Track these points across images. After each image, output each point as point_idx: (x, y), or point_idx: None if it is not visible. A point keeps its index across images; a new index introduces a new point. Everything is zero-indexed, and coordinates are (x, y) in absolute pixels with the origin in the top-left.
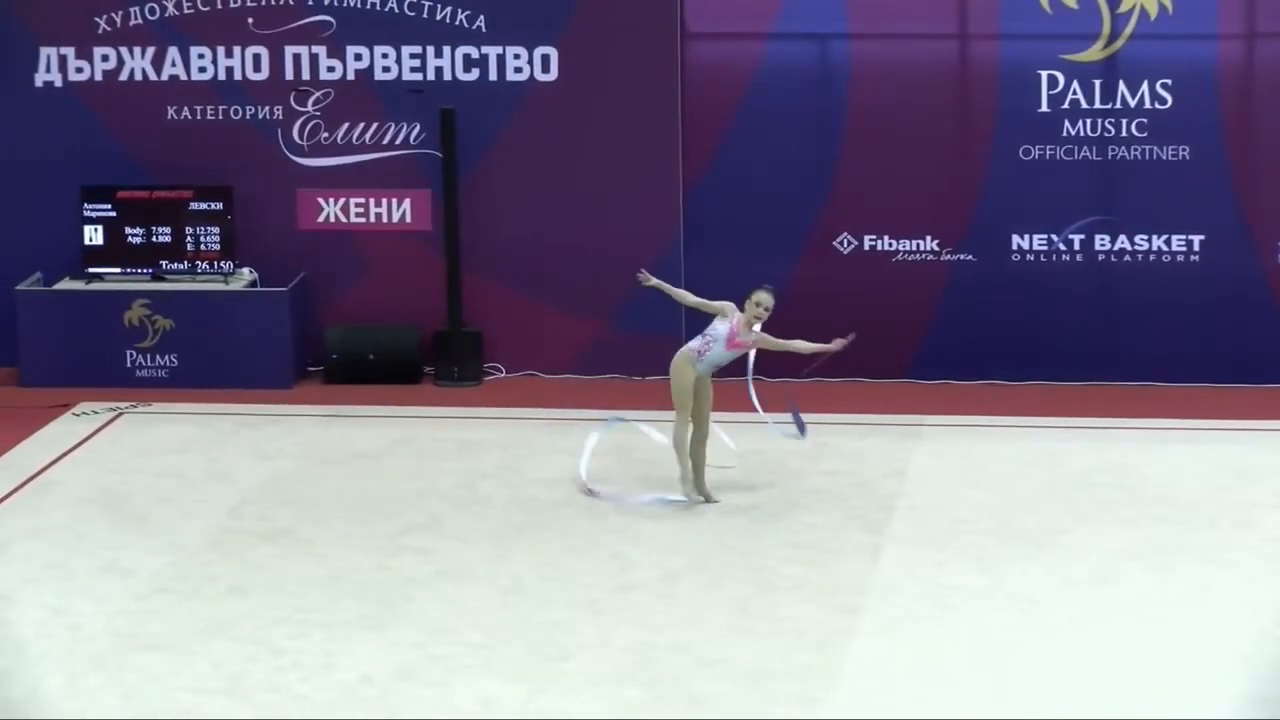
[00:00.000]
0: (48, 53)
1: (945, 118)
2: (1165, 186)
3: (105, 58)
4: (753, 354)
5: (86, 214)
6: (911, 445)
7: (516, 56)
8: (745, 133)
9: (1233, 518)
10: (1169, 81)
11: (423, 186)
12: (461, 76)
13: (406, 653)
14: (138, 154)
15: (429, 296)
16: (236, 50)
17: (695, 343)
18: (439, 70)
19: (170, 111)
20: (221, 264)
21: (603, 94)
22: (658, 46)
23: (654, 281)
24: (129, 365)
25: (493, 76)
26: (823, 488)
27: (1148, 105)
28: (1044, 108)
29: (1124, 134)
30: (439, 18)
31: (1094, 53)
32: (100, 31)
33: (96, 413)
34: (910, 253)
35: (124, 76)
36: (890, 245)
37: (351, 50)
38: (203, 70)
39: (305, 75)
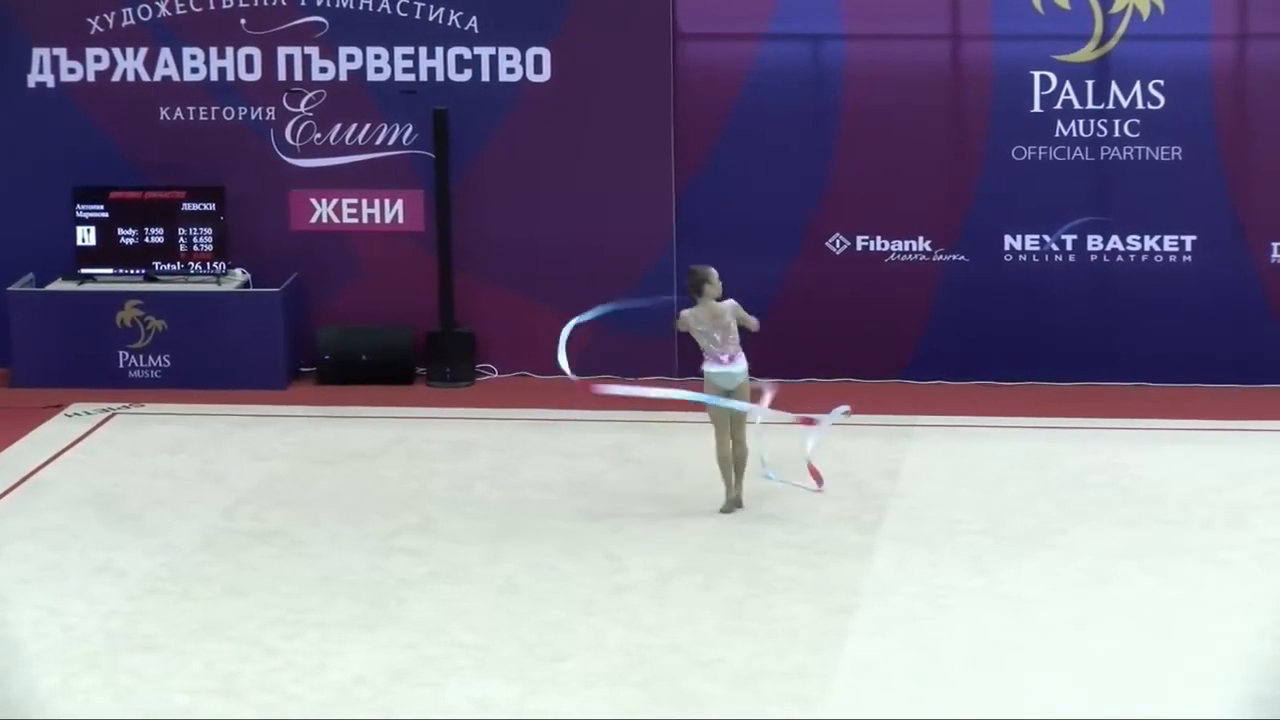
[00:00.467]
0: (40, 53)
1: (938, 118)
2: (1158, 187)
3: (98, 58)
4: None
5: (79, 215)
6: (905, 446)
7: (509, 57)
8: (738, 133)
9: (1227, 518)
10: (1161, 82)
11: (415, 187)
12: (454, 77)
13: (400, 653)
14: (130, 155)
15: (421, 297)
16: (229, 51)
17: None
18: (431, 71)
19: (163, 112)
20: (214, 265)
21: (595, 95)
22: (650, 47)
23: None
24: (122, 366)
25: (485, 77)
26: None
27: (1140, 106)
28: (1037, 108)
29: (1117, 134)
30: (431, 18)
31: (1086, 53)
32: (93, 32)
33: (89, 413)
34: (903, 253)
35: (117, 77)
36: (883, 246)
37: (344, 51)
38: (195, 71)
39: (298, 76)
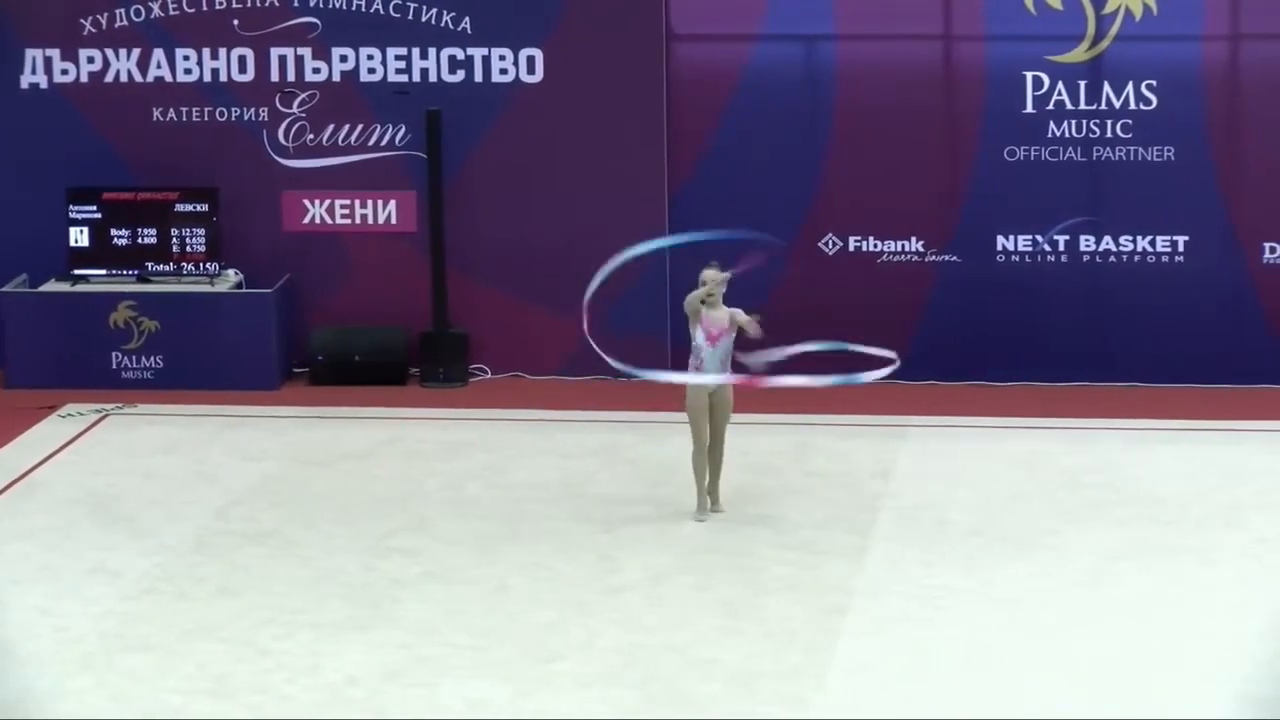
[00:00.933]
0: (33, 54)
1: (931, 119)
2: (1150, 187)
3: (91, 59)
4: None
5: (72, 215)
6: (898, 446)
7: (502, 58)
8: (731, 134)
9: (1221, 518)
10: (1154, 82)
11: (408, 188)
12: (447, 78)
13: (393, 654)
14: (123, 156)
15: (414, 298)
16: (222, 52)
17: (692, 370)
18: (424, 72)
19: (156, 113)
20: (207, 265)
21: (588, 96)
22: (643, 48)
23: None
24: (115, 367)
25: (478, 78)
26: (809, 489)
27: (1133, 106)
28: (1029, 109)
29: (1109, 135)
30: (424, 19)
31: (1079, 54)
32: (86, 33)
33: (82, 414)
34: (896, 254)
35: (110, 78)
36: (876, 246)
37: (337, 52)
38: (188, 72)
39: (291, 77)
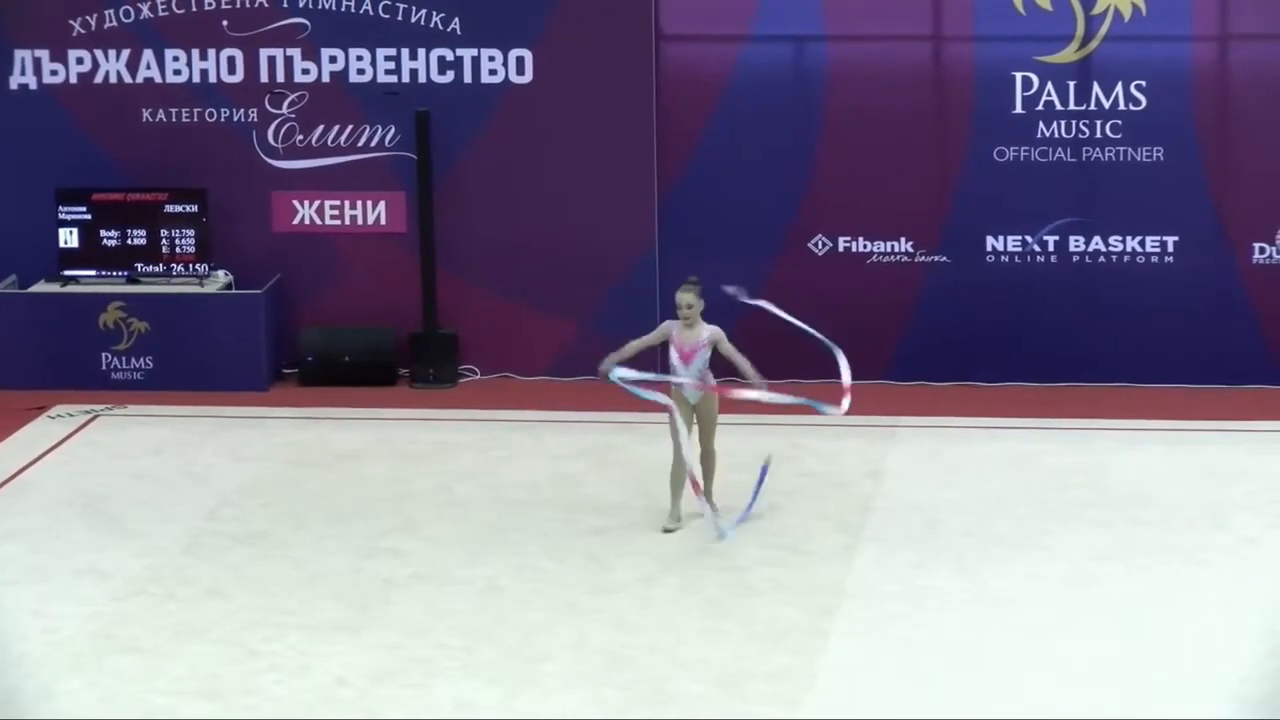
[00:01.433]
0: (22, 55)
1: (920, 119)
2: (1140, 188)
3: (80, 60)
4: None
5: (61, 216)
6: (887, 446)
7: (491, 59)
8: (721, 135)
9: (1209, 519)
10: (1143, 83)
11: (398, 189)
12: (436, 79)
13: (383, 655)
14: (113, 156)
15: (404, 298)
16: (211, 53)
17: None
18: (414, 72)
19: (145, 114)
20: (197, 266)
21: (578, 96)
22: (633, 48)
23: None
24: (104, 368)
25: (468, 79)
26: (799, 489)
27: (1122, 106)
28: (1018, 109)
29: (1099, 135)
30: (414, 20)
31: (1068, 54)
32: (75, 34)
33: (72, 415)
34: (885, 254)
35: (99, 79)
36: (865, 247)
37: (326, 53)
38: (178, 73)
39: (280, 78)
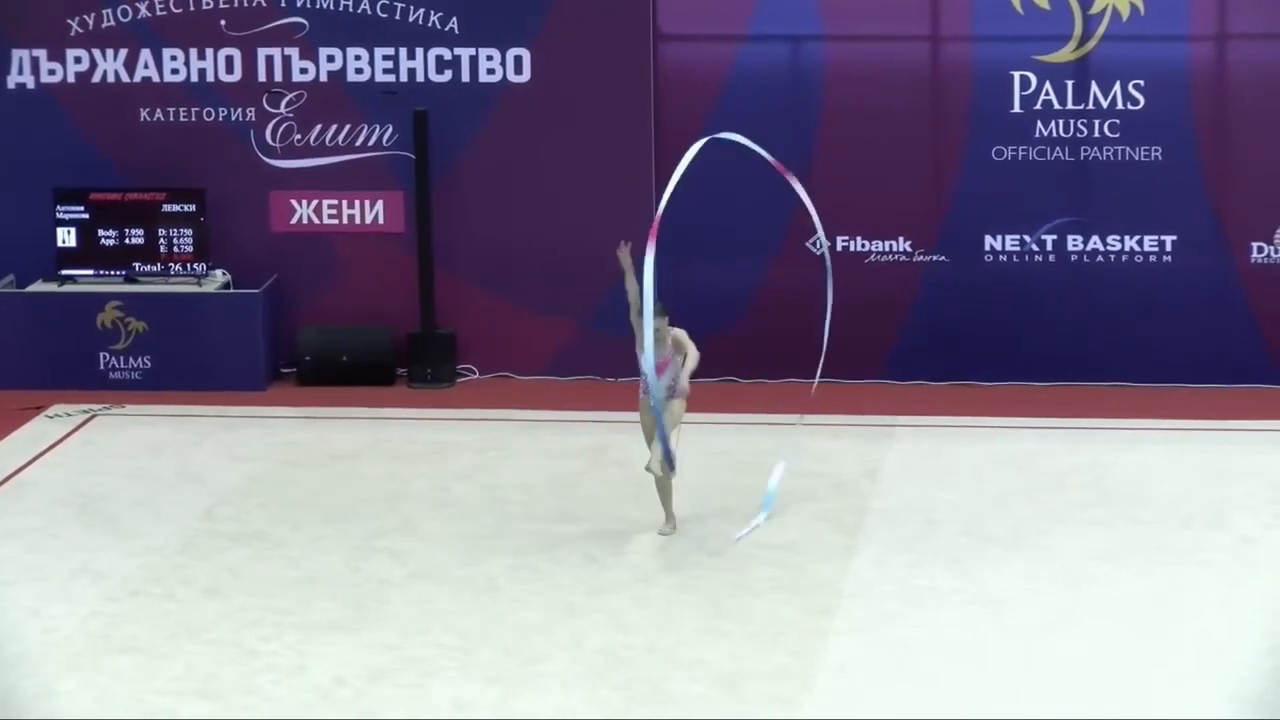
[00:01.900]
0: (20, 55)
1: (918, 119)
2: (1138, 187)
3: (78, 60)
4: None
5: (59, 216)
6: (885, 446)
7: (489, 58)
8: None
9: (1207, 518)
10: (1141, 82)
11: (395, 188)
12: (434, 78)
13: (380, 655)
14: (111, 156)
15: (402, 298)
16: (209, 52)
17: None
18: (412, 72)
19: (143, 113)
20: (195, 266)
21: (576, 95)
22: (631, 48)
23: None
24: (102, 367)
25: (465, 78)
26: (796, 489)
27: (1120, 106)
28: (1016, 109)
29: (1096, 135)
30: (412, 19)
31: (1066, 54)
32: (73, 33)
33: (70, 415)
34: (883, 254)
35: (97, 78)
36: (863, 246)
37: (324, 52)
38: (175, 72)
39: (278, 77)
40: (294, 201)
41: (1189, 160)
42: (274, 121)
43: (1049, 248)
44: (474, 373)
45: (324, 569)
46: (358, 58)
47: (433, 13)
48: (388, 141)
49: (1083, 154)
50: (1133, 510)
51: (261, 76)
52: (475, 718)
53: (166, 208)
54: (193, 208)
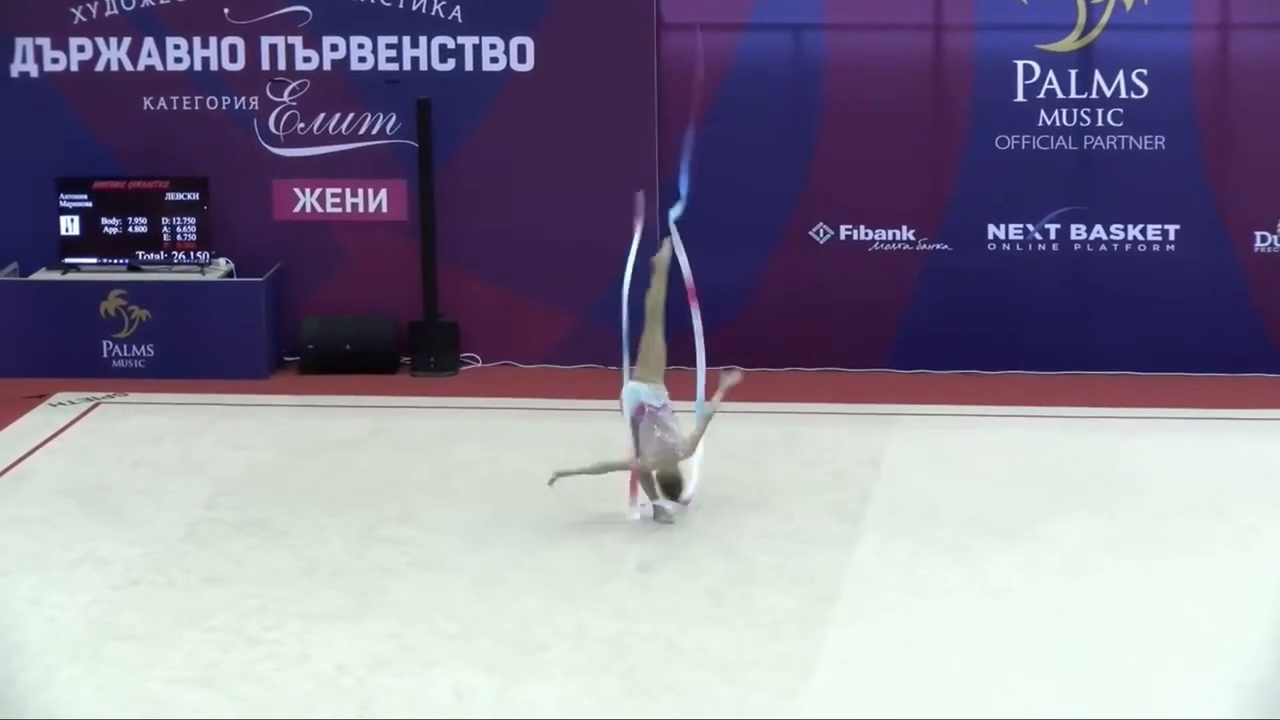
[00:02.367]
0: (23, 43)
1: (921, 107)
2: (1141, 176)
3: (81, 48)
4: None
5: (62, 205)
6: (887, 435)
7: (493, 47)
8: (721, 123)
9: (1209, 508)
10: (1145, 71)
11: (399, 177)
12: (438, 67)
13: (382, 643)
14: (114, 145)
15: (405, 287)
16: (212, 41)
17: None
18: (415, 60)
19: (146, 102)
20: (198, 254)
21: (580, 84)
22: (635, 37)
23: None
24: (105, 356)
25: (469, 67)
26: (798, 477)
27: (1124, 95)
28: (1020, 98)
29: (1100, 124)
30: (415, 8)
31: (1069, 43)
32: (76, 22)
33: (73, 403)
34: (886, 242)
35: (100, 67)
36: (866, 235)
37: (327, 41)
38: (179, 61)
39: (281, 66)
40: (297, 190)
41: (1192, 149)
42: (277, 110)
43: (1052, 237)
44: (477, 361)
45: (326, 557)
46: (361, 46)
47: (436, 1)
48: (391, 130)
49: (1086, 143)
50: (1135, 499)
51: (265, 65)
52: (476, 706)
53: (170, 196)
54: (196, 196)
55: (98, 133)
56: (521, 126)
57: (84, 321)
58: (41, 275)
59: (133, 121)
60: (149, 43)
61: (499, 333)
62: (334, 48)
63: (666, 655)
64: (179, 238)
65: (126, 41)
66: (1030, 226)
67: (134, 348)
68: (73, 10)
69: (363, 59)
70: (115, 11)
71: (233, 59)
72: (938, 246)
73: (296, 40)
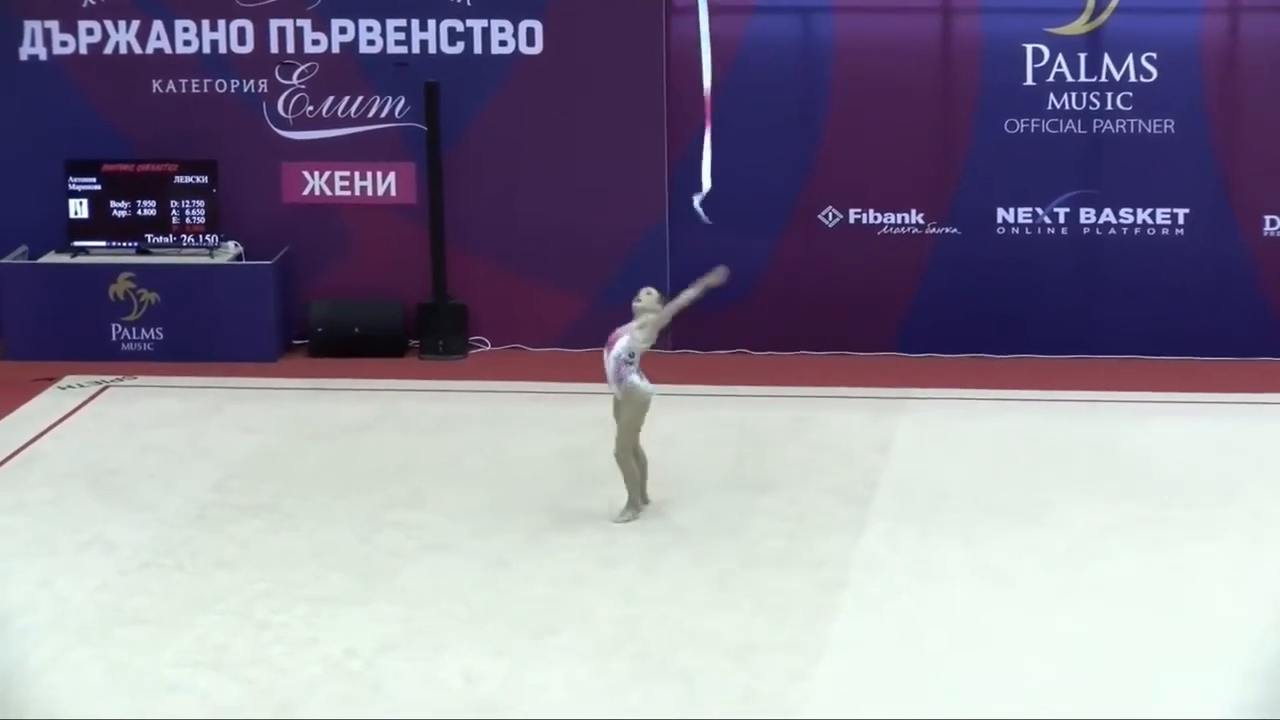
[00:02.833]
0: (32, 26)
1: (930, 91)
2: (1150, 160)
3: (90, 31)
4: None
5: (72, 187)
6: (896, 419)
7: (501, 30)
8: (731, 106)
9: (1217, 492)
10: (1154, 55)
11: (407, 160)
12: (446, 50)
13: (390, 626)
14: (123, 128)
15: (413, 270)
16: (221, 24)
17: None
18: (424, 44)
19: (155, 85)
20: (206, 237)
21: (588, 67)
22: (644, 20)
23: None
24: (114, 339)
25: (478, 50)
26: (807, 461)
27: (1133, 79)
28: (1029, 81)
29: (1109, 107)
30: None
31: (1078, 26)
32: (85, 5)
33: (82, 386)
34: (895, 226)
35: (109, 50)
36: (875, 219)
37: (336, 24)
38: (188, 44)
39: (290, 49)
40: (306, 173)
41: (1201, 133)
42: (286, 93)
43: (1061, 220)
44: (485, 345)
45: (334, 541)
46: (370, 29)
47: None
48: (400, 113)
49: (1095, 127)
50: (1142, 484)
51: (274, 48)
52: (485, 689)
53: (178, 179)
54: (205, 179)
55: (106, 116)
56: (530, 110)
57: (93, 304)
58: (50, 258)
59: (141, 104)
60: (158, 25)
61: (508, 316)
62: (343, 31)
63: (675, 639)
64: (188, 221)
65: (135, 24)
66: (1039, 210)
67: (143, 331)
68: None
69: (371, 42)
70: None
71: (241, 42)
72: (947, 230)
73: (305, 23)
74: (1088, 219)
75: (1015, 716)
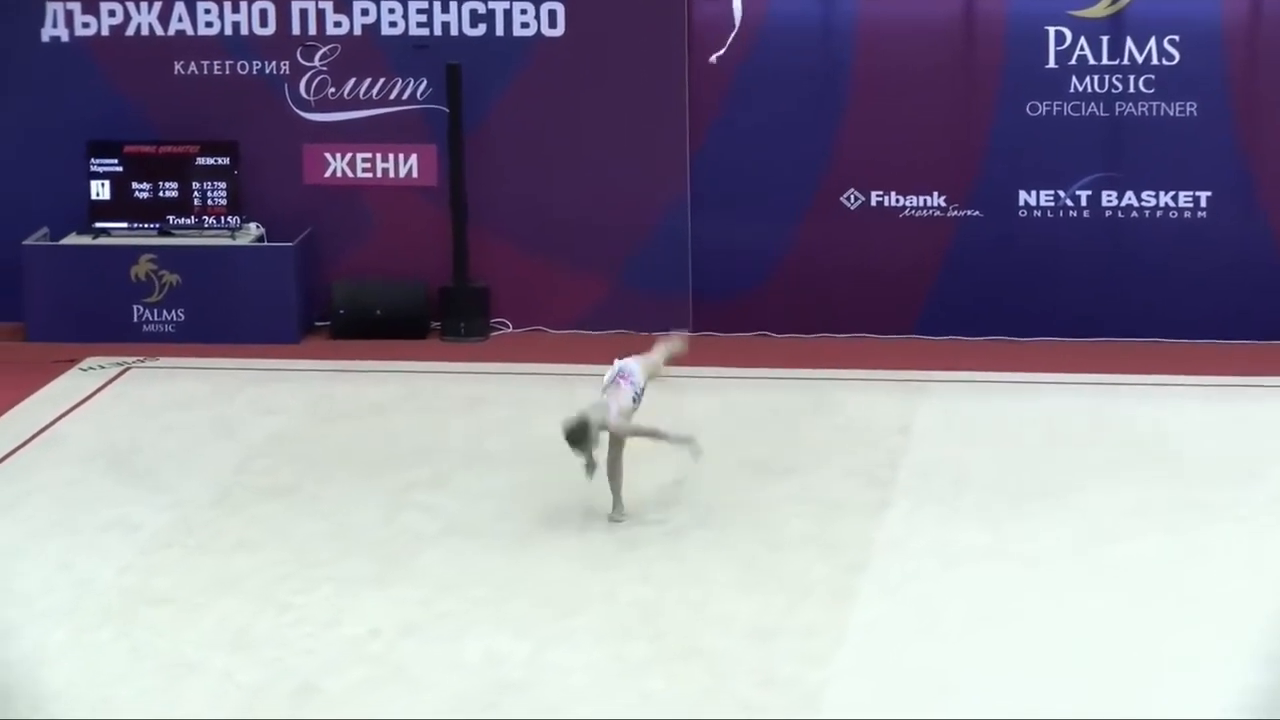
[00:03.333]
0: (54, 7)
1: (952, 73)
2: (1173, 142)
3: (112, 13)
4: None
5: (93, 169)
6: (917, 401)
7: (523, 11)
8: (753, 88)
9: (1240, 474)
10: (1176, 37)
11: (429, 142)
12: (468, 31)
13: (413, 608)
14: (144, 109)
15: (435, 252)
16: (243, 5)
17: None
18: (445, 25)
19: (177, 66)
20: (228, 219)
21: (610, 50)
22: (666, 1)
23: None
24: (136, 320)
25: (499, 31)
26: (829, 443)
27: (1155, 61)
28: (1051, 64)
29: (1131, 90)
30: None
31: (1101, 9)
32: None
33: (103, 367)
34: (918, 209)
35: (131, 31)
36: (898, 201)
37: (358, 5)
38: (209, 25)
39: (312, 30)
40: (328, 155)
41: (1223, 115)
42: (308, 75)
43: (1083, 203)
44: (507, 326)
45: (356, 522)
46: (392, 11)
47: None
48: (421, 95)
49: (1117, 109)
50: (1165, 466)
51: (295, 30)
52: (507, 670)
53: (200, 161)
54: (226, 161)
55: (128, 97)
56: (552, 92)
57: (114, 286)
58: (72, 240)
59: (163, 86)
60: (180, 7)
61: (529, 298)
62: (364, 12)
63: (696, 621)
64: (209, 202)
65: (157, 6)
66: (1062, 193)
67: (164, 312)
68: None
69: (393, 24)
70: None
71: (263, 23)
72: (969, 213)
73: (327, 5)
74: (1110, 202)
75: (1035, 699)
